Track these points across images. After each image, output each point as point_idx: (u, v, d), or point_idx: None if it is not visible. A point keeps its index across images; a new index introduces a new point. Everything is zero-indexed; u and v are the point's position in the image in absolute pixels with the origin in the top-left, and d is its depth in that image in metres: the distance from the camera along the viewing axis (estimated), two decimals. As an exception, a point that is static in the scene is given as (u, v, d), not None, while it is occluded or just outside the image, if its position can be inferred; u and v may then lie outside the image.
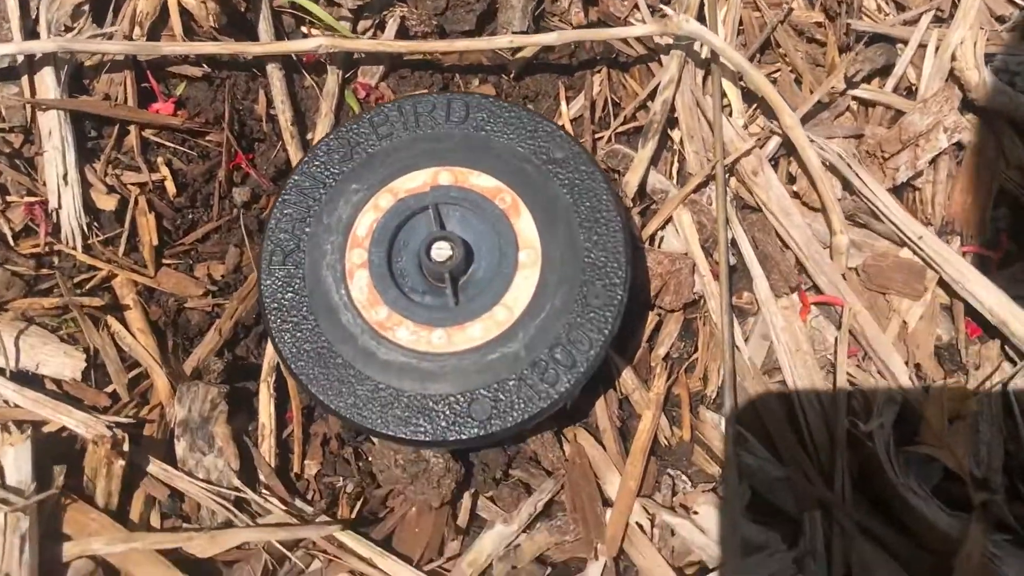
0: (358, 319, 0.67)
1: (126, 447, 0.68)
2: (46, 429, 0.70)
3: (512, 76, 0.86)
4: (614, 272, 0.68)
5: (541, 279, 0.68)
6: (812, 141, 0.80)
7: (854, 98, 0.87)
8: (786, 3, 0.87)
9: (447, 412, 0.65)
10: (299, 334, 0.67)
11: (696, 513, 0.71)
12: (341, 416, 0.66)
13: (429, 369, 0.66)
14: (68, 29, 0.79)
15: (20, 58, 0.78)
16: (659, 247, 0.80)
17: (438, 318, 0.67)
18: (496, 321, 0.67)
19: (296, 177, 0.72)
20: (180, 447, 0.71)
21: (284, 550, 0.68)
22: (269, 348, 0.76)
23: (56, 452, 0.70)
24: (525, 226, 0.69)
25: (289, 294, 0.68)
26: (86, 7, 0.79)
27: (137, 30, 0.80)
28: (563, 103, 0.85)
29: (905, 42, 0.87)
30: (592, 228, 0.69)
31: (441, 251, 0.68)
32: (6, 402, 0.70)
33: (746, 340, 0.79)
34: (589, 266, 0.68)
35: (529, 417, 0.65)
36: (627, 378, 0.76)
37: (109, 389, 0.74)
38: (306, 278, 0.69)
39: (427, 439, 0.65)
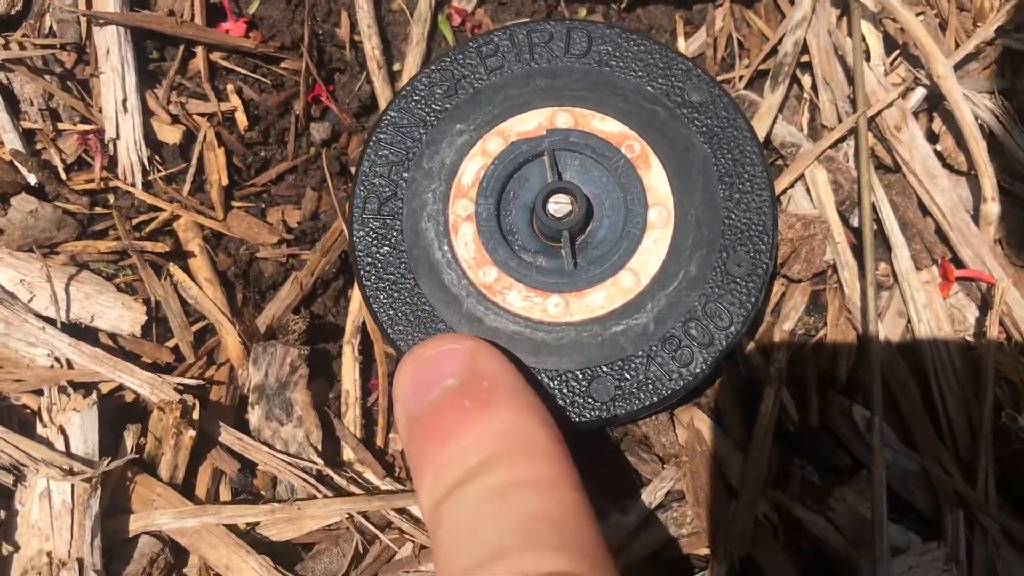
0: (463, 280, 0.59)
1: (196, 415, 0.60)
2: (102, 388, 0.63)
3: (623, 6, 0.76)
4: (759, 236, 0.59)
5: (673, 242, 0.59)
6: (965, 95, 0.71)
7: (1003, 48, 0.77)
8: (935, -63, 0.77)
9: (564, 390, 0.57)
10: (397, 295, 0.59)
11: (832, 510, 0.63)
12: (443, 389, 0.57)
13: (544, 340, 0.58)
14: (129, -67, 0.69)
15: (75, -36, 0.68)
16: (787, 207, 0.72)
17: (554, 283, 0.59)
18: (621, 289, 0.58)
19: (393, 113, 0.63)
20: (254, 415, 0.63)
21: (375, 530, 0.60)
22: (352, 307, 0.68)
23: (112, 414, 0.62)
24: (655, 180, 0.60)
25: (385, 248, 0.60)
26: (150, -94, 0.70)
27: (207, -63, 0.70)
28: (680, 39, 0.76)
29: (1061, -14, 0.78)
30: (733, 184, 0.60)
31: (560, 206, 0.59)
32: (58, 360, 0.62)
33: (880, 317, 0.70)
34: (730, 228, 0.59)
35: (658, 400, 0.57)
36: (750, 354, 0.68)
37: (170, 344, 0.66)
38: (404, 230, 0.60)
39: (540, 419, 0.56)
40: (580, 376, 0.57)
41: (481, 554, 0.42)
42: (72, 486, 0.56)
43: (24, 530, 0.56)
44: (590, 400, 0.57)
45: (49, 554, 0.55)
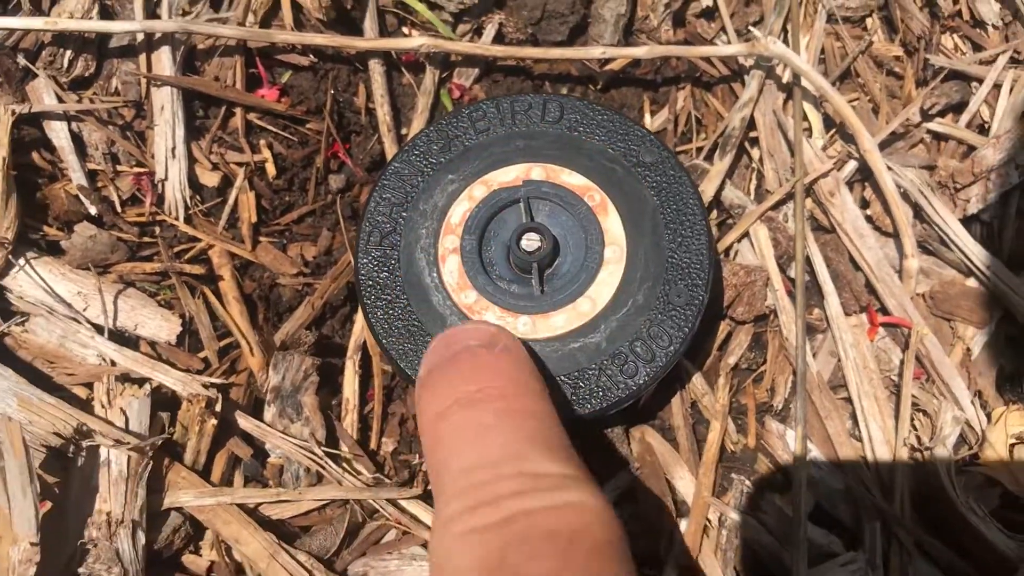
0: (448, 301, 0.70)
1: (219, 407, 0.71)
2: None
3: (599, 87, 0.89)
4: (697, 273, 0.70)
5: (625, 275, 0.70)
6: (889, 167, 0.82)
7: (928, 131, 0.89)
8: (867, 35, 0.90)
9: (528, 395, 0.67)
10: (392, 312, 0.70)
11: (764, 512, 0.73)
12: (427, 391, 0.68)
13: (513, 353, 0.69)
14: (186, 13, 0.84)
15: (140, 36, 0.82)
16: (734, 259, 0.83)
17: (524, 306, 0.70)
18: (579, 312, 0.69)
19: (396, 164, 0.75)
20: (269, 413, 0.74)
21: (364, 515, 0.70)
22: (356, 328, 0.79)
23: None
24: (612, 224, 0.72)
25: (384, 273, 0.71)
26: (204, -7, 0.84)
27: (250, 17, 0.84)
28: (647, 115, 0.89)
29: (980, 80, 0.90)
30: (677, 230, 0.72)
31: (530, 242, 0.70)
32: (103, 359, 0.74)
33: (814, 355, 0.81)
34: (672, 266, 0.71)
35: (607, 405, 0.67)
36: (697, 383, 0.78)
37: (200, 354, 0.78)
38: (401, 259, 0.72)
39: (507, 419, 0.67)
40: (542, 384, 0.68)
41: (496, 453, 0.48)
42: (128, 457, 0.67)
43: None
44: (549, 404, 0.68)
45: (108, 514, 0.66)
